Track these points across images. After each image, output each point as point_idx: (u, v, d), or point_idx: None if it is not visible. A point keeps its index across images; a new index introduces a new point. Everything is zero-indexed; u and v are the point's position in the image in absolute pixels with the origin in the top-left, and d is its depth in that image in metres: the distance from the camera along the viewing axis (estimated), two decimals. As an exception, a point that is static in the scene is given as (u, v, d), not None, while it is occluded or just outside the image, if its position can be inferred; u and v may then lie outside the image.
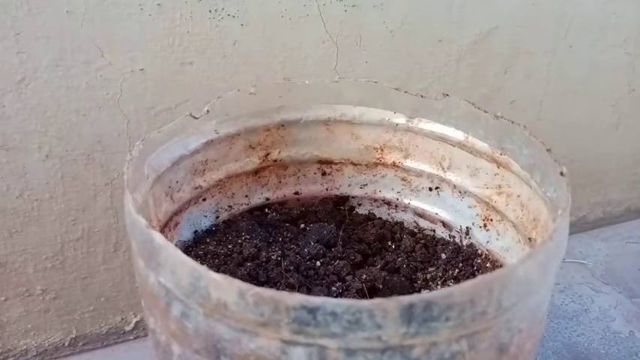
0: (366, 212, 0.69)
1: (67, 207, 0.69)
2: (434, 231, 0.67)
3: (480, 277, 0.37)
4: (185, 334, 0.41)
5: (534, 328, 0.45)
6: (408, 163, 0.66)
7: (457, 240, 0.65)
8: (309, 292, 0.56)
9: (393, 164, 0.67)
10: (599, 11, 0.84)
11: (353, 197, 0.69)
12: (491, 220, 0.61)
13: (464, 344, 0.38)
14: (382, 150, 0.67)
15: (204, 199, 0.62)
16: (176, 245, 0.56)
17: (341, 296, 0.56)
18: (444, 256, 0.63)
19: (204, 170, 0.61)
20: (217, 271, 0.38)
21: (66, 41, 0.61)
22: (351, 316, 0.35)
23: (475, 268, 0.61)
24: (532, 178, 0.54)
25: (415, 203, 0.67)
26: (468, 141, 0.61)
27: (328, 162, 0.68)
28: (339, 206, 0.70)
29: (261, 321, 0.36)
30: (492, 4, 0.78)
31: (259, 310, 0.36)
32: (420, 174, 0.66)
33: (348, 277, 0.58)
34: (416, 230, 0.68)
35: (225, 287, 0.37)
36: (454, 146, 0.62)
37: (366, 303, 0.35)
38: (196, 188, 0.61)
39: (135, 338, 0.80)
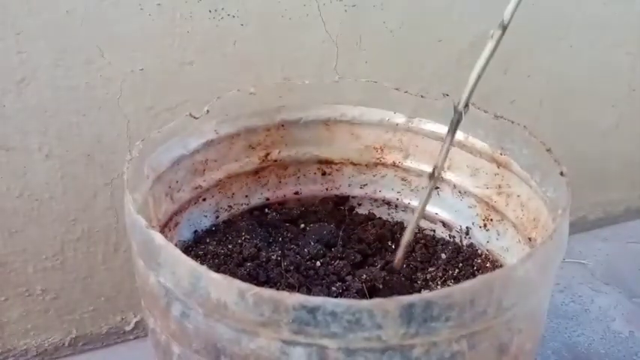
0: (366, 212, 0.69)
1: (67, 207, 0.69)
2: (434, 231, 0.67)
3: (480, 277, 0.37)
4: (185, 334, 0.41)
5: (534, 328, 0.45)
6: (408, 163, 0.66)
7: (457, 240, 0.65)
8: (309, 292, 0.56)
9: (393, 164, 0.67)
10: (599, 11, 0.84)
11: (353, 197, 0.69)
12: (491, 220, 0.61)
13: (464, 344, 0.38)
14: (382, 150, 0.67)
15: (204, 199, 0.62)
16: (176, 245, 0.56)
17: (341, 296, 0.56)
18: (444, 256, 0.63)
19: (204, 170, 0.61)
20: (217, 271, 0.38)
21: (66, 41, 0.61)
22: (351, 316, 0.35)
23: (475, 268, 0.61)
24: (532, 178, 0.54)
25: (415, 203, 0.67)
26: (468, 141, 0.61)
27: (328, 162, 0.68)
28: (339, 206, 0.69)
29: (261, 321, 0.36)
30: (492, 4, 0.78)
31: (259, 310, 0.36)
32: (420, 174, 0.66)
33: (348, 277, 0.58)
34: (416, 230, 0.68)
35: (225, 287, 0.37)
36: (454, 146, 0.62)
37: (366, 303, 0.35)
38: (196, 188, 0.61)
39: (135, 338, 0.80)
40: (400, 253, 0.54)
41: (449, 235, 0.65)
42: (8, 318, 0.72)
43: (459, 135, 0.61)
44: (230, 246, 0.60)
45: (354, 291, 0.56)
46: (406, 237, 0.54)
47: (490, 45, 0.42)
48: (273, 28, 0.69)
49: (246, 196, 0.66)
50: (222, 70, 0.68)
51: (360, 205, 0.70)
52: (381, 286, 0.58)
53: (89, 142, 0.67)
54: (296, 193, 0.68)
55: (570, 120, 0.91)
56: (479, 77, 0.44)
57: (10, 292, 0.71)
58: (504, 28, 0.42)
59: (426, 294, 0.36)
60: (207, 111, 0.59)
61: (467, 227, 0.64)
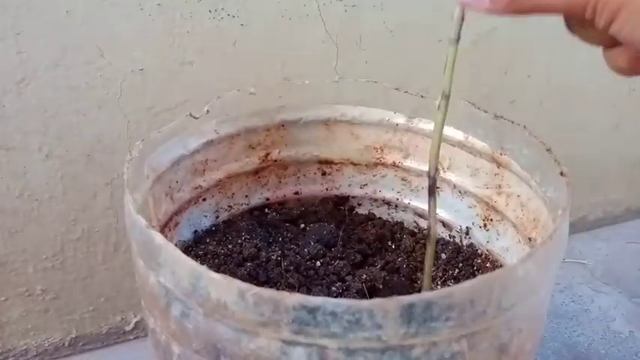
0: (366, 212, 0.69)
1: (67, 207, 0.69)
2: (434, 231, 0.67)
3: (480, 277, 0.37)
4: (185, 334, 0.41)
5: (534, 328, 0.45)
6: (408, 163, 0.66)
7: (457, 240, 0.65)
8: (309, 292, 0.56)
9: (393, 164, 0.67)
10: (599, 11, 0.84)
11: (353, 197, 0.69)
12: (491, 220, 0.61)
13: (464, 344, 0.38)
14: (382, 150, 0.67)
15: (204, 199, 0.62)
16: (176, 245, 0.56)
17: (341, 296, 0.56)
18: (444, 256, 0.63)
19: (204, 170, 0.61)
20: (217, 271, 0.38)
21: (66, 41, 0.61)
22: (351, 316, 0.35)
23: (475, 268, 0.61)
24: (532, 178, 0.54)
25: (415, 203, 0.67)
26: (468, 141, 0.61)
27: (328, 162, 0.68)
28: (339, 206, 0.69)
29: (261, 321, 0.36)
30: (492, 4, 0.78)
31: (259, 310, 0.36)
32: (420, 174, 0.66)
33: (348, 277, 0.58)
34: (416, 230, 0.68)
35: (225, 287, 0.37)
36: (454, 146, 0.62)
37: (366, 303, 0.35)
38: (196, 188, 0.61)
39: (135, 338, 0.80)
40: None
41: (449, 235, 0.65)
42: (8, 318, 0.72)
43: (459, 135, 0.61)
44: (230, 246, 0.60)
45: (354, 291, 0.56)
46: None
47: (440, 114, 0.47)
48: (273, 28, 0.69)
49: (246, 196, 0.66)
50: (222, 70, 0.68)
51: (360, 205, 0.70)
52: (381, 286, 0.58)
53: (89, 142, 0.67)
54: (296, 193, 0.68)
55: (570, 120, 0.91)
56: (439, 145, 0.49)
57: (10, 292, 0.71)
58: (447, 97, 0.46)
59: (426, 294, 0.36)
60: (207, 111, 0.59)
61: (467, 227, 0.64)
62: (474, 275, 0.61)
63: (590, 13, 0.33)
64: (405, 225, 0.68)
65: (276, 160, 0.66)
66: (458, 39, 0.45)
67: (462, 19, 0.44)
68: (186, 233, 0.61)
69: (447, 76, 0.46)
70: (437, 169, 0.51)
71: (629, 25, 0.32)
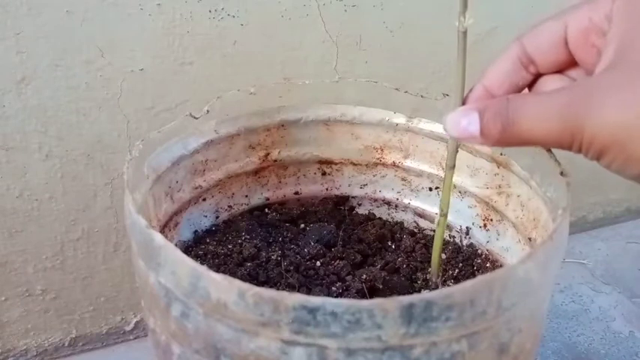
0: (366, 212, 0.69)
1: (67, 207, 0.69)
2: (434, 231, 0.67)
3: (480, 277, 0.37)
4: (185, 334, 0.41)
5: (534, 328, 0.45)
6: (408, 163, 0.66)
7: (457, 240, 0.65)
8: (309, 292, 0.56)
9: (393, 164, 0.67)
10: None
11: (353, 197, 0.69)
12: (491, 220, 0.61)
13: (464, 344, 0.38)
14: (382, 150, 0.67)
15: (204, 199, 0.62)
16: (176, 245, 0.56)
17: (341, 296, 0.56)
18: (443, 256, 0.63)
19: (204, 170, 0.61)
20: (217, 271, 0.38)
21: (66, 41, 0.61)
22: (351, 316, 0.35)
23: (475, 268, 0.61)
24: (532, 178, 0.54)
25: (415, 203, 0.67)
26: (468, 141, 0.61)
27: (328, 162, 0.68)
28: (339, 206, 0.69)
29: (261, 321, 0.36)
30: (492, 4, 0.78)
31: (259, 310, 0.36)
32: (420, 174, 0.66)
33: (348, 277, 0.58)
34: (416, 230, 0.68)
35: (225, 287, 0.37)
36: (454, 146, 0.62)
37: (366, 303, 0.35)
38: (196, 188, 0.61)
39: (135, 338, 0.80)
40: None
41: (449, 235, 0.65)
42: (8, 318, 0.72)
43: (459, 135, 0.61)
44: (230, 246, 0.60)
45: (354, 291, 0.56)
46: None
47: (439, 229, 0.53)
48: (273, 29, 0.69)
49: (246, 196, 0.66)
50: (222, 70, 0.68)
51: (360, 205, 0.70)
52: (381, 286, 0.58)
53: (89, 142, 0.67)
54: (296, 193, 0.68)
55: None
56: (439, 255, 0.55)
57: (10, 292, 0.71)
58: (445, 215, 0.52)
59: (426, 294, 0.36)
60: (207, 111, 0.59)
61: (467, 227, 0.64)
62: (474, 275, 0.60)
63: (576, 149, 0.36)
64: (405, 225, 0.68)
65: (276, 160, 0.66)
66: (453, 166, 0.49)
67: (457, 150, 0.48)
68: (186, 233, 0.61)
69: (445, 196, 0.50)
70: (439, 275, 0.56)
71: (617, 164, 0.36)
